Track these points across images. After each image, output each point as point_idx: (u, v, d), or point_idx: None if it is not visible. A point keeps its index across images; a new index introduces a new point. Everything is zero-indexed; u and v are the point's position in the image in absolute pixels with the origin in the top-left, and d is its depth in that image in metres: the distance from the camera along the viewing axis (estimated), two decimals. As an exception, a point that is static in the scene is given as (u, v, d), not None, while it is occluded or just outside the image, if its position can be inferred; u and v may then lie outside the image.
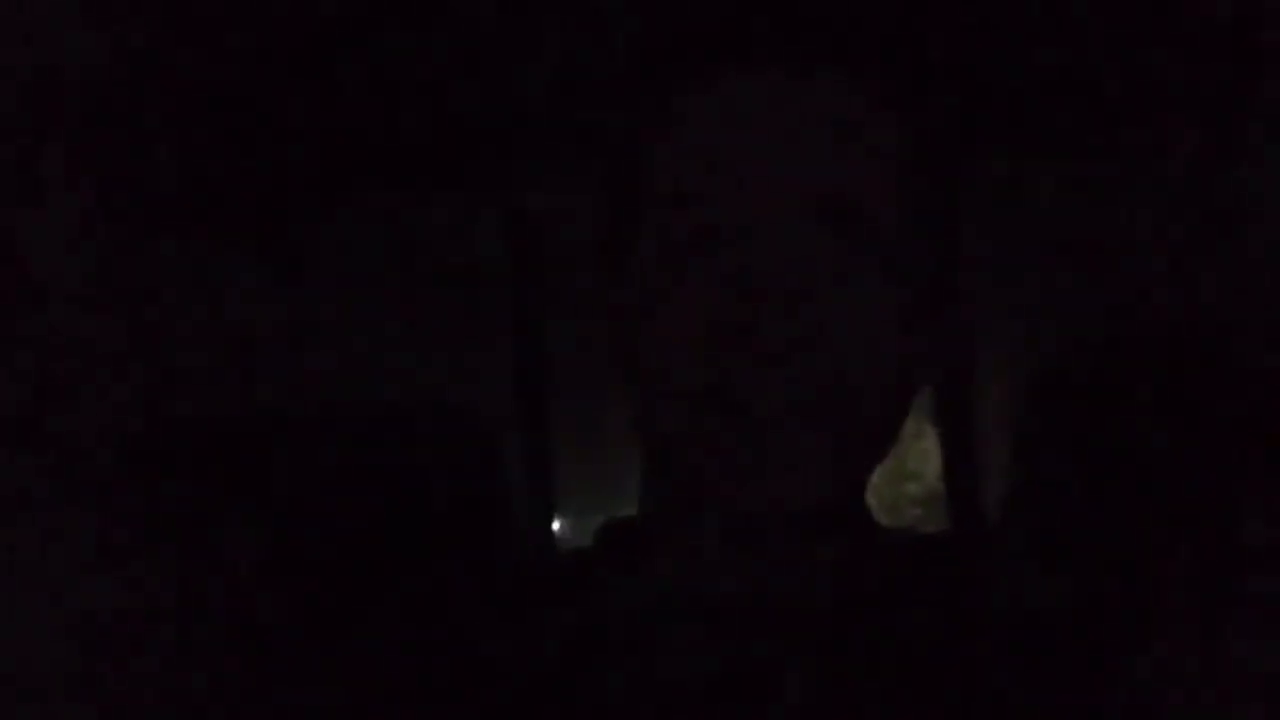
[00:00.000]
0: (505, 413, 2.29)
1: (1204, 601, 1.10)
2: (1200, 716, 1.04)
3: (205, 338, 2.04)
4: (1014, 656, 1.06)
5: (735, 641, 1.07)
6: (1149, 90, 1.65)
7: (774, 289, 1.05)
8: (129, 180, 1.84)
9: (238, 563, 1.70)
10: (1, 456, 1.66)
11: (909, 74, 1.14)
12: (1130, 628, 1.07)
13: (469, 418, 1.97)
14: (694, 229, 1.08)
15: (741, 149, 1.09)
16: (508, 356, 2.32)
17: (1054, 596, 1.09)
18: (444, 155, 2.20)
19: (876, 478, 1.15)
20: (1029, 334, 1.90)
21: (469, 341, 2.31)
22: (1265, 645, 1.08)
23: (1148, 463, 1.51)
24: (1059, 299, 1.86)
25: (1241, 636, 1.10)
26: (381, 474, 1.88)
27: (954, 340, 1.15)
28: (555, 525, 2.33)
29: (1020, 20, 1.64)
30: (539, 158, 2.25)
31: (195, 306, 2.03)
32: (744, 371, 1.05)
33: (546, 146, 2.21)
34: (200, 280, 2.05)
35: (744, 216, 1.07)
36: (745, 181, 1.08)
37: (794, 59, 1.11)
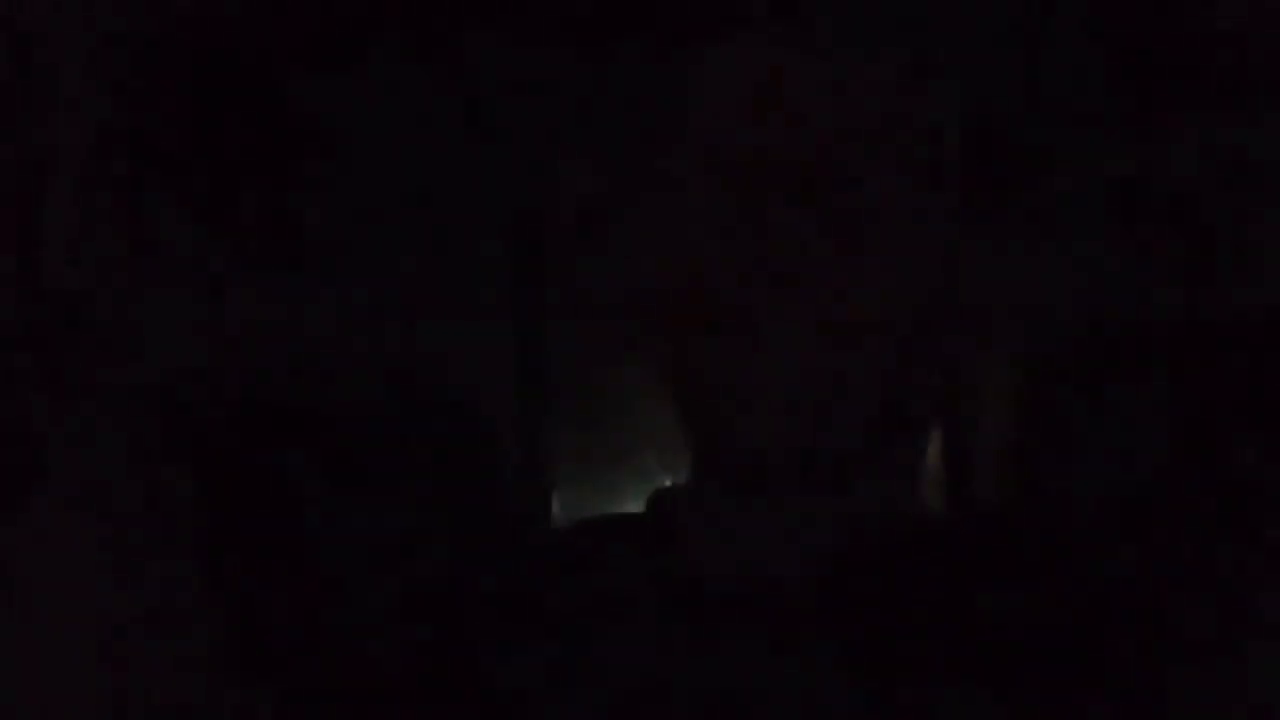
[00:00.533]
0: (505, 399, 2.29)
1: (1212, 601, 1.10)
2: (1202, 712, 1.04)
3: (206, 332, 2.04)
4: (1012, 649, 1.06)
5: (747, 623, 1.07)
6: (1150, 88, 1.65)
7: (778, 267, 1.05)
8: (131, 169, 1.84)
9: (239, 557, 1.71)
10: (7, 456, 1.66)
11: (934, 61, 1.14)
12: (1133, 625, 1.07)
13: (468, 406, 1.97)
14: (706, 199, 1.08)
15: (752, 121, 1.08)
16: (507, 346, 2.32)
17: (1054, 589, 1.08)
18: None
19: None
20: (1030, 323, 1.90)
21: (468, 332, 2.31)
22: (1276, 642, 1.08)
23: (1148, 457, 1.51)
24: (1060, 290, 1.86)
25: (1254, 635, 1.09)
26: (382, 463, 1.88)
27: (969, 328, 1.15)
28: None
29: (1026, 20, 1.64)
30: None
31: (196, 303, 2.03)
32: (746, 355, 1.06)
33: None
34: (201, 277, 2.05)
35: (752, 188, 1.06)
36: (754, 154, 1.07)
37: (814, 35, 1.10)
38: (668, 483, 1.20)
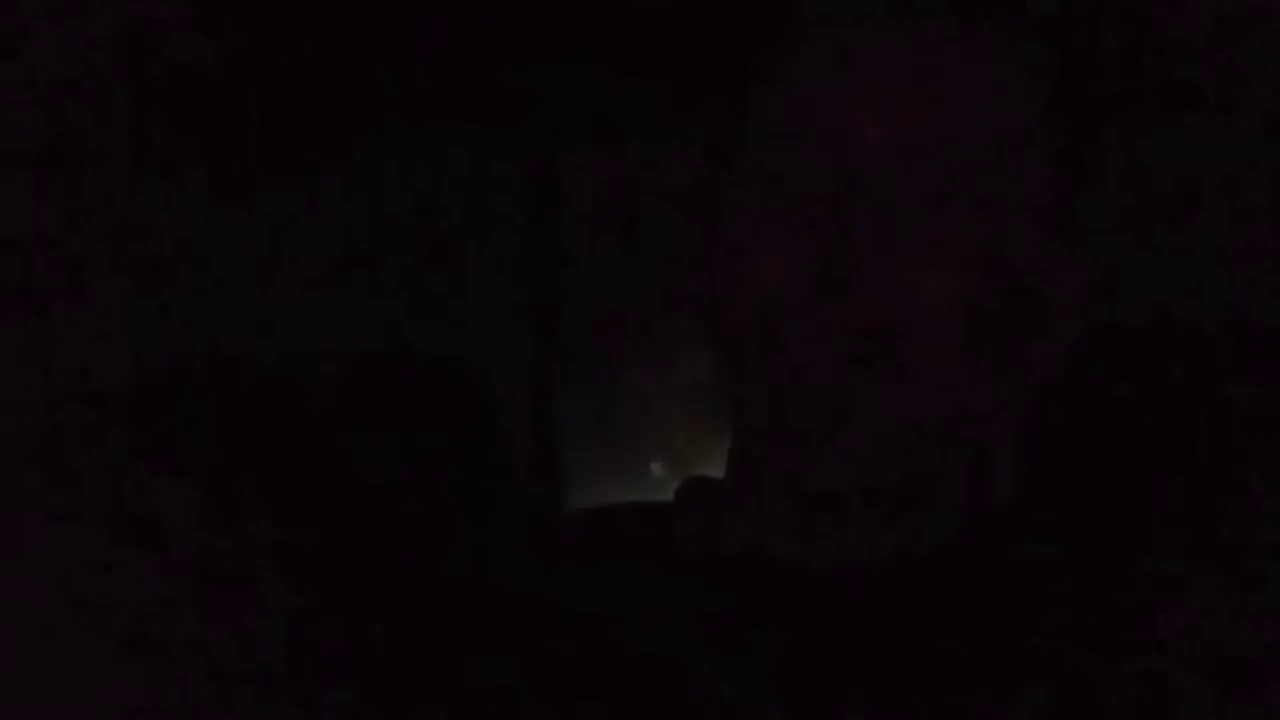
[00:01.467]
0: (520, 402, 2.29)
1: (1214, 587, 1.09)
2: (1202, 703, 1.04)
3: (217, 326, 2.05)
4: (1019, 646, 1.05)
5: (786, 608, 1.06)
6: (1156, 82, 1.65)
7: (860, 264, 1.03)
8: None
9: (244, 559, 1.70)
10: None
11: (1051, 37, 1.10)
12: (1138, 615, 1.06)
13: (483, 408, 1.97)
14: (788, 191, 1.06)
15: (844, 105, 1.06)
16: (525, 327, 2.32)
17: (1059, 585, 1.08)
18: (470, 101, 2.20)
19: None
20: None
21: (483, 310, 2.31)
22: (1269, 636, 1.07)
23: (1156, 453, 1.51)
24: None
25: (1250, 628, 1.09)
26: (394, 460, 1.89)
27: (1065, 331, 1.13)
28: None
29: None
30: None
31: (209, 295, 2.03)
32: (821, 359, 1.04)
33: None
34: (218, 239, 2.05)
35: (840, 177, 1.04)
36: (843, 141, 1.05)
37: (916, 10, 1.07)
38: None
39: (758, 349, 1.05)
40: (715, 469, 1.16)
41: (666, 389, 2.32)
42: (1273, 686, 1.03)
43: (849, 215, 1.03)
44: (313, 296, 2.17)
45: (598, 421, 2.34)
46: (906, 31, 1.07)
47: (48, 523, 1.63)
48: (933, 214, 1.04)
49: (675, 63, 2.08)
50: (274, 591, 1.63)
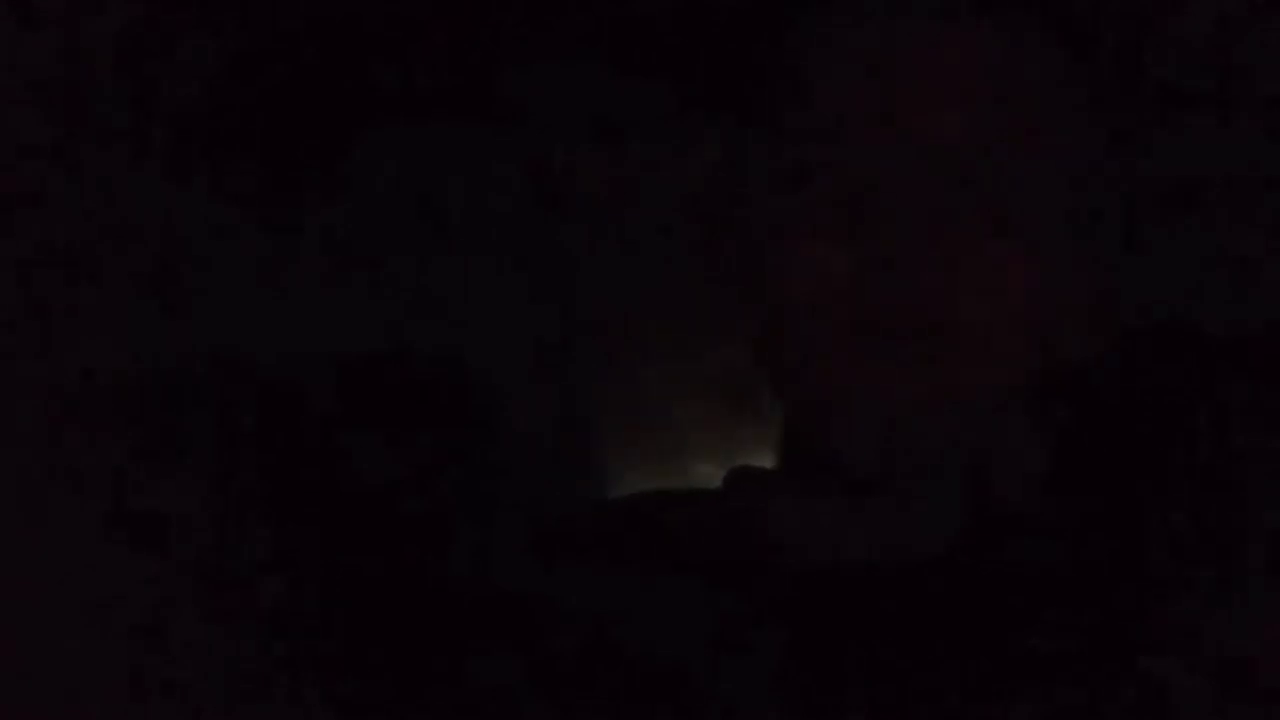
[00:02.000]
0: (519, 381, 2.29)
1: (1216, 588, 1.09)
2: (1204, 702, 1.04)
3: (221, 294, 2.04)
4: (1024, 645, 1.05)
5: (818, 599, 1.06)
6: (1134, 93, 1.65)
7: (892, 258, 1.03)
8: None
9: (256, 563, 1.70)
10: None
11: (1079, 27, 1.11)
12: (1138, 615, 1.06)
13: (479, 384, 1.97)
14: (820, 188, 1.06)
15: (876, 97, 1.06)
16: (525, 327, 2.32)
17: (1060, 588, 1.08)
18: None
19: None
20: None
21: (483, 310, 2.31)
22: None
23: (1159, 452, 1.50)
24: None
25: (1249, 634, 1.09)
26: (389, 437, 1.89)
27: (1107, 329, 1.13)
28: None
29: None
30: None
31: (211, 269, 2.03)
32: (872, 360, 1.04)
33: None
34: (218, 239, 2.05)
35: (872, 172, 1.04)
36: (874, 137, 1.05)
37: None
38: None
39: (792, 343, 1.06)
40: (718, 466, 1.17)
41: (667, 387, 2.32)
42: (1273, 686, 1.03)
43: (881, 210, 1.04)
44: (313, 296, 2.17)
45: (599, 422, 2.34)
46: (933, 29, 1.07)
47: (48, 523, 1.62)
48: (964, 209, 1.05)
49: (675, 63, 2.08)
50: (274, 591, 1.63)
